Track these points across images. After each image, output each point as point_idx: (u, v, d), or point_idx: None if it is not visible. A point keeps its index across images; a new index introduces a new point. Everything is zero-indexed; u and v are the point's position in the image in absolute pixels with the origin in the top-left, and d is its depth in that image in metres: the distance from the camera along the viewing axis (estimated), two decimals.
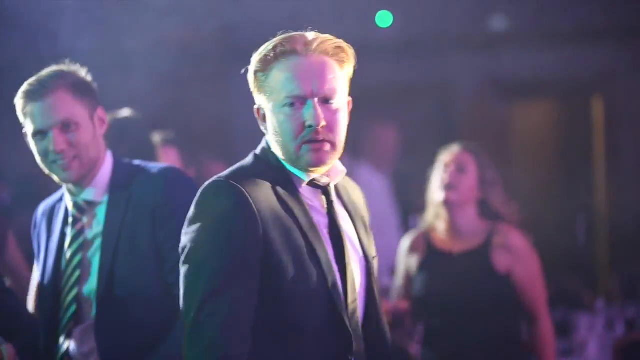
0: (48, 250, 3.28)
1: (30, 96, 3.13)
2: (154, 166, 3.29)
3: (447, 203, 4.44)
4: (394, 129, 6.84)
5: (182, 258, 2.44)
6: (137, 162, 3.34)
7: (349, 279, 2.50)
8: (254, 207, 2.41)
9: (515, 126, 8.35)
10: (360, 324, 2.54)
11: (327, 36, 2.52)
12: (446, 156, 4.50)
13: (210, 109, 6.70)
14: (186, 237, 2.44)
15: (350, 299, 2.49)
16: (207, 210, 2.43)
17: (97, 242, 3.18)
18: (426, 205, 4.61)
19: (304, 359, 2.43)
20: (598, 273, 7.97)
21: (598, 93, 8.07)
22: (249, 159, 2.57)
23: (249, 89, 2.58)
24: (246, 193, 2.42)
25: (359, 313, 2.54)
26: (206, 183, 2.48)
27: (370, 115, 6.98)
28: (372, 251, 2.67)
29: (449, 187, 4.43)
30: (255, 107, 2.58)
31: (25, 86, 3.16)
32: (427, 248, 4.52)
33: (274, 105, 2.50)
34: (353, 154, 6.62)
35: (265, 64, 2.50)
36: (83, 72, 3.23)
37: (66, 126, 3.13)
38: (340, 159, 2.60)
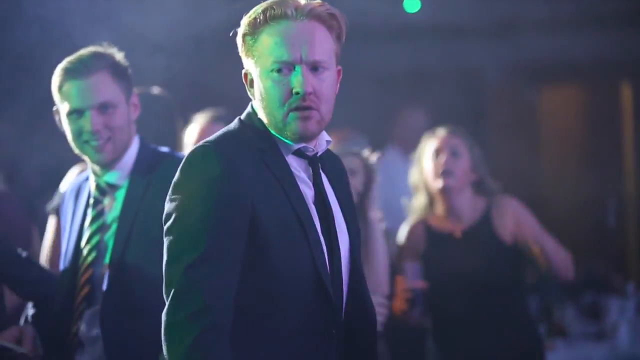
0: (71, 229, 3.23)
1: (70, 74, 3.08)
2: (180, 155, 3.22)
3: (446, 190, 4.37)
4: (423, 112, 6.76)
5: (168, 224, 2.34)
6: (163, 149, 3.28)
7: (335, 253, 2.42)
8: (242, 173, 2.33)
9: (543, 111, 8.27)
10: (344, 298, 2.46)
11: (319, 2, 2.42)
12: (435, 142, 4.42)
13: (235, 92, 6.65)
14: (173, 203, 2.34)
15: (335, 272, 2.42)
16: (193, 176, 2.33)
17: (114, 226, 3.12)
18: (417, 191, 4.53)
19: (287, 331, 2.34)
20: (628, 257, 7.88)
21: (627, 77, 7.98)
22: (234, 125, 2.48)
23: None
24: (234, 159, 2.33)
25: (344, 287, 2.46)
26: (193, 148, 2.39)
27: (397, 100, 6.92)
28: (356, 226, 2.58)
29: (446, 173, 4.35)
30: (243, 71, 2.47)
31: (64, 63, 3.10)
32: (427, 235, 4.44)
33: (262, 70, 2.39)
34: (381, 137, 6.54)
35: (255, 28, 2.40)
36: (120, 56, 3.18)
37: (104, 107, 3.09)
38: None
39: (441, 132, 4.45)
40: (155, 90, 4.33)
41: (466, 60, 7.71)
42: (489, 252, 4.29)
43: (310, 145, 2.44)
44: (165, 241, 2.34)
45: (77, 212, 3.23)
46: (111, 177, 3.17)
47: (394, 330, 4.05)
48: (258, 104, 2.43)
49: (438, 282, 4.23)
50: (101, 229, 3.15)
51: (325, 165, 2.52)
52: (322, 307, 2.37)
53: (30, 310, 3.29)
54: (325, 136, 2.49)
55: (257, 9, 2.40)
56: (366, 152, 4.01)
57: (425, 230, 4.45)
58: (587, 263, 6.81)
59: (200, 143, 2.39)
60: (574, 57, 7.66)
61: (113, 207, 3.15)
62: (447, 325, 4.32)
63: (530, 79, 7.94)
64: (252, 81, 2.44)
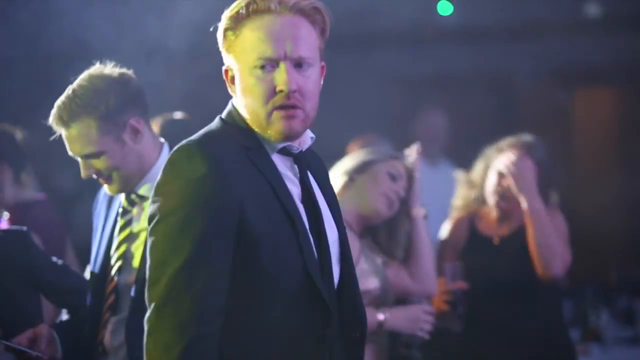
0: (102, 234, 3.19)
1: (55, 121, 3.02)
2: None
3: (499, 208, 4.32)
4: (441, 113, 6.66)
5: (152, 226, 2.21)
6: None
7: (325, 252, 2.32)
8: (228, 171, 2.20)
9: (576, 114, 8.18)
10: (335, 296, 2.36)
11: None
12: (507, 157, 4.28)
13: None
14: (155, 205, 2.21)
15: (326, 272, 2.32)
16: (179, 176, 2.20)
17: (142, 237, 3.06)
18: (468, 184, 4.46)
19: (279, 333, 2.24)
20: None
21: None
22: (215, 124, 2.38)
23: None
24: (219, 157, 2.21)
25: (335, 285, 2.36)
26: (175, 148, 2.29)
27: (426, 103, 6.85)
28: (343, 223, 2.49)
29: (502, 196, 4.28)
30: (224, 68, 2.38)
31: (54, 108, 3.03)
32: (470, 234, 4.38)
33: (244, 66, 2.28)
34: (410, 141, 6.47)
35: (236, 22, 2.28)
36: (115, 73, 3.05)
37: (89, 157, 3.02)
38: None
39: (518, 144, 4.31)
40: (177, 115, 4.33)
41: (497, 63, 7.66)
42: (523, 258, 4.22)
43: (295, 143, 2.36)
44: (149, 243, 2.22)
45: (109, 217, 3.20)
46: (140, 189, 3.12)
47: (435, 339, 3.96)
48: (240, 102, 2.33)
49: (472, 284, 4.16)
50: (128, 239, 3.11)
51: (309, 163, 2.43)
52: (315, 307, 2.28)
53: (64, 316, 3.28)
54: (309, 133, 2.40)
55: (240, 2, 2.31)
56: (407, 154, 3.94)
57: (469, 227, 4.40)
58: (621, 268, 6.72)
59: (184, 142, 2.29)
60: (607, 59, 7.58)
61: (141, 218, 3.11)
62: (479, 328, 4.25)
63: (562, 82, 7.86)
64: (232, 78, 2.35)
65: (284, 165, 2.35)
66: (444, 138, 6.48)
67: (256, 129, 2.32)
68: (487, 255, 4.29)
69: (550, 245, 4.15)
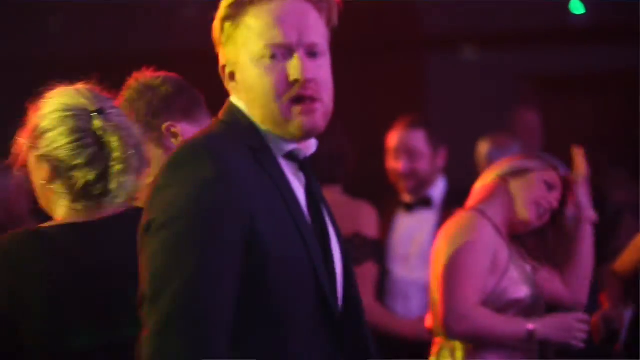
0: None
1: None
2: None
3: None
4: (538, 112, 6.25)
5: (149, 235, 1.89)
6: None
7: (331, 263, 2.04)
8: (239, 176, 1.91)
9: None
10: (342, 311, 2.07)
11: None
12: None
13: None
14: (155, 209, 1.90)
15: (334, 292, 2.03)
16: (183, 178, 1.90)
17: None
18: None
19: (289, 356, 1.94)
20: None
21: None
22: (215, 125, 2.06)
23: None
24: (229, 159, 1.93)
25: (340, 299, 2.06)
26: (178, 148, 1.99)
27: (558, 101, 6.74)
28: (340, 232, 2.20)
29: None
30: (221, 64, 2.06)
31: None
32: None
33: (248, 58, 2.00)
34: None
35: (237, 10, 2.00)
36: (147, 78, 2.91)
37: None
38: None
39: None
40: None
41: (631, 62, 7.49)
42: None
43: (302, 146, 2.06)
44: (145, 255, 1.91)
45: None
46: None
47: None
48: (244, 99, 2.03)
49: None
50: None
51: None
52: (327, 331, 2.01)
53: None
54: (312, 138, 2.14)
55: None
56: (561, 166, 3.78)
57: None
58: None
59: (187, 142, 2.02)
60: None
61: None
62: None
63: None
64: (232, 74, 2.05)
65: (289, 172, 2.05)
66: (540, 138, 6.22)
67: (269, 127, 2.02)
68: None
69: None
